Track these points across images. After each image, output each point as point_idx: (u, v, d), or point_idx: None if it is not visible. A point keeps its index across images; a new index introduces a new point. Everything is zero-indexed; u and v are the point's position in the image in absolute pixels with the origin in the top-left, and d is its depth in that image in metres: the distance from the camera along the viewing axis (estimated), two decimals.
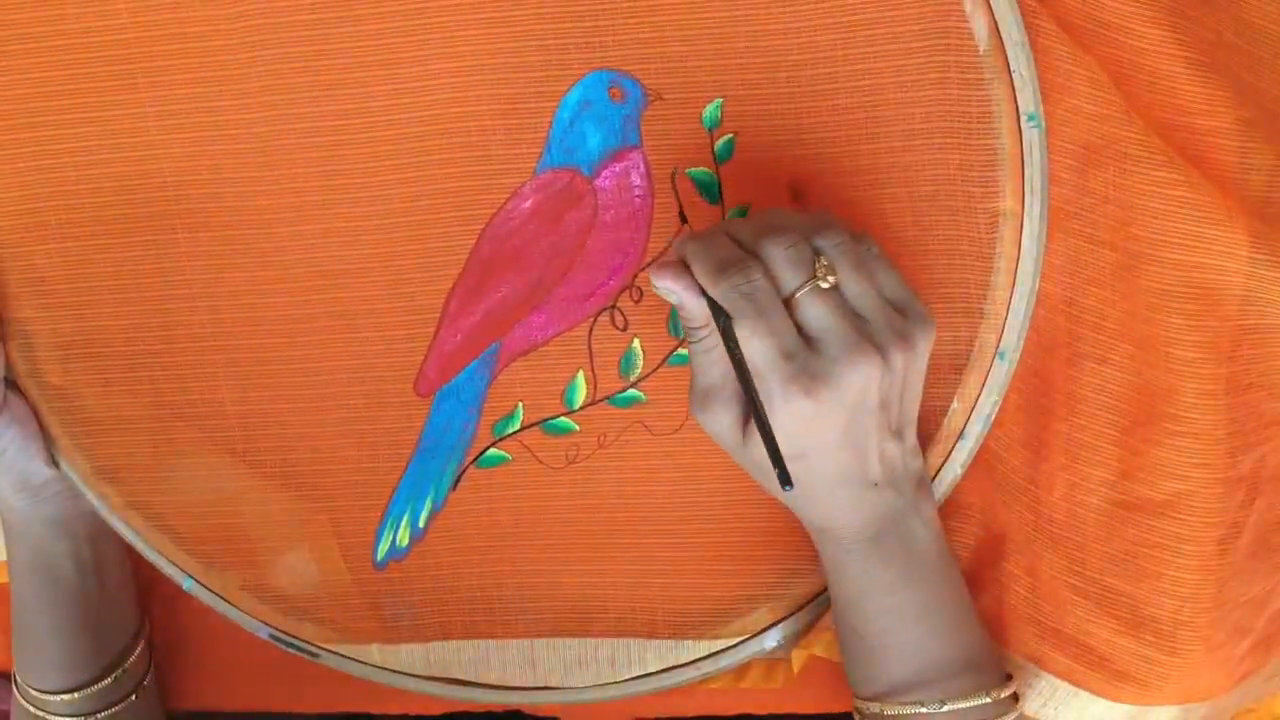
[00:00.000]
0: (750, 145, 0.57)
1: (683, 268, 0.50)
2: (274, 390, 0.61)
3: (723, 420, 0.51)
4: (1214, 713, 0.60)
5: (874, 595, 0.55)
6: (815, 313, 0.48)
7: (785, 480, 0.47)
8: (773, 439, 0.47)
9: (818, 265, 0.48)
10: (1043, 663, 0.60)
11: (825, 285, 0.48)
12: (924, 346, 0.50)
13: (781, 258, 0.48)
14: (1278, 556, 0.58)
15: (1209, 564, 0.56)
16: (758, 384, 0.48)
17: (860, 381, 0.48)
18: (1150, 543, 0.57)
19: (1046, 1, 0.54)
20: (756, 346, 0.48)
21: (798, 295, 0.48)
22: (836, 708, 0.66)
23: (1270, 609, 0.59)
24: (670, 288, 0.50)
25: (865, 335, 0.48)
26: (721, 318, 0.48)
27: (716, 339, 0.50)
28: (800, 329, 0.48)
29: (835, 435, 0.49)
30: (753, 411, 0.48)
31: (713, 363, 0.51)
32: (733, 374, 0.49)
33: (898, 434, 0.52)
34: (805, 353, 0.48)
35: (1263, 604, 0.59)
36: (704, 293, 0.49)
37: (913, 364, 0.50)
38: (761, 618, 0.62)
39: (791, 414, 0.48)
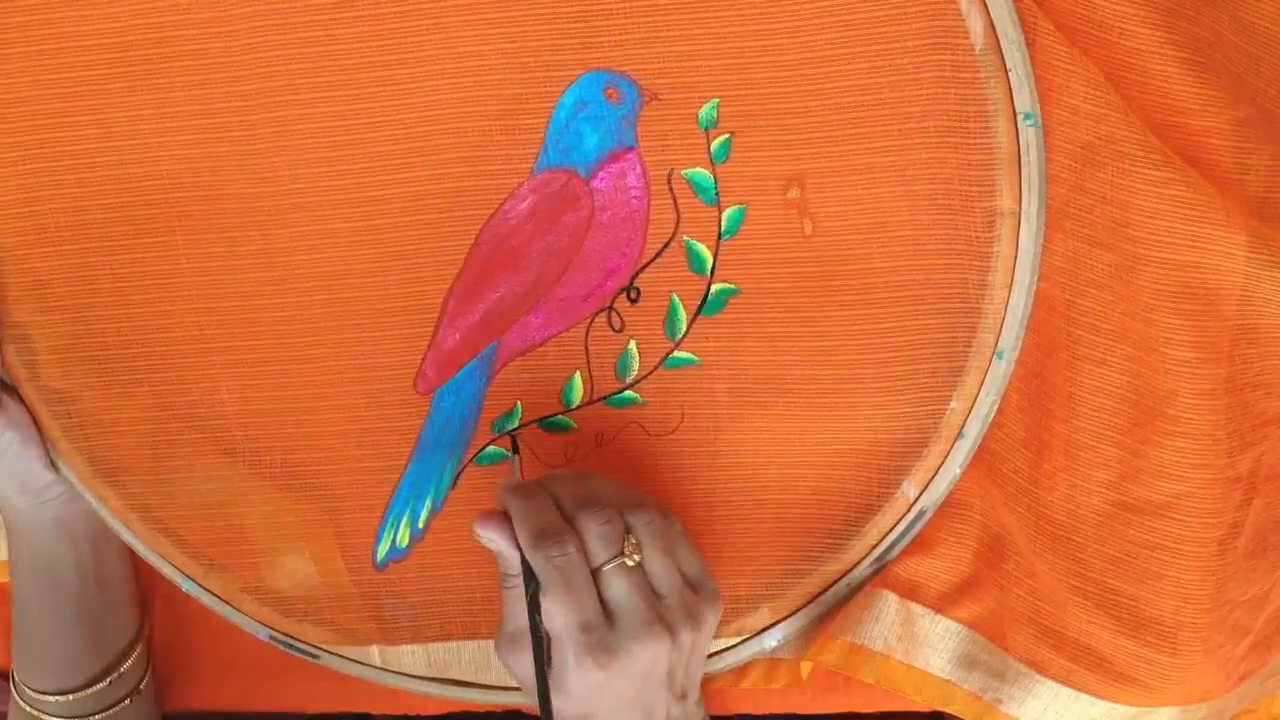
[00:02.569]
0: (747, 145, 0.57)
1: (505, 520, 0.53)
2: (274, 391, 0.61)
3: (526, 667, 0.53)
4: (1214, 713, 0.60)
5: None
6: (618, 588, 0.52)
7: None
8: (547, 696, 0.52)
9: (626, 543, 0.52)
10: (1043, 666, 0.60)
11: (630, 563, 0.52)
12: (711, 622, 0.54)
13: (595, 532, 0.52)
14: (1275, 555, 0.58)
15: (1209, 564, 0.56)
16: (555, 650, 0.52)
17: (649, 658, 0.52)
18: (1151, 544, 0.57)
19: (1043, 2, 0.54)
20: (559, 616, 0.51)
21: (604, 569, 0.52)
22: (837, 708, 0.66)
23: (1268, 609, 0.59)
24: (492, 538, 0.53)
25: (659, 615, 0.52)
26: (531, 584, 0.52)
27: None
28: (602, 599, 0.52)
29: (625, 701, 0.52)
30: (535, 668, 0.52)
31: (523, 610, 0.53)
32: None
33: (682, 696, 0.55)
34: (603, 627, 0.51)
35: (1261, 604, 0.59)
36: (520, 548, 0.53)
37: (699, 639, 0.54)
38: (762, 618, 0.62)
39: (583, 681, 0.51)
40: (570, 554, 0.51)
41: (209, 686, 0.70)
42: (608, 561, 0.52)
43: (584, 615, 0.51)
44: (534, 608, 0.52)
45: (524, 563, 0.52)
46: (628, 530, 0.53)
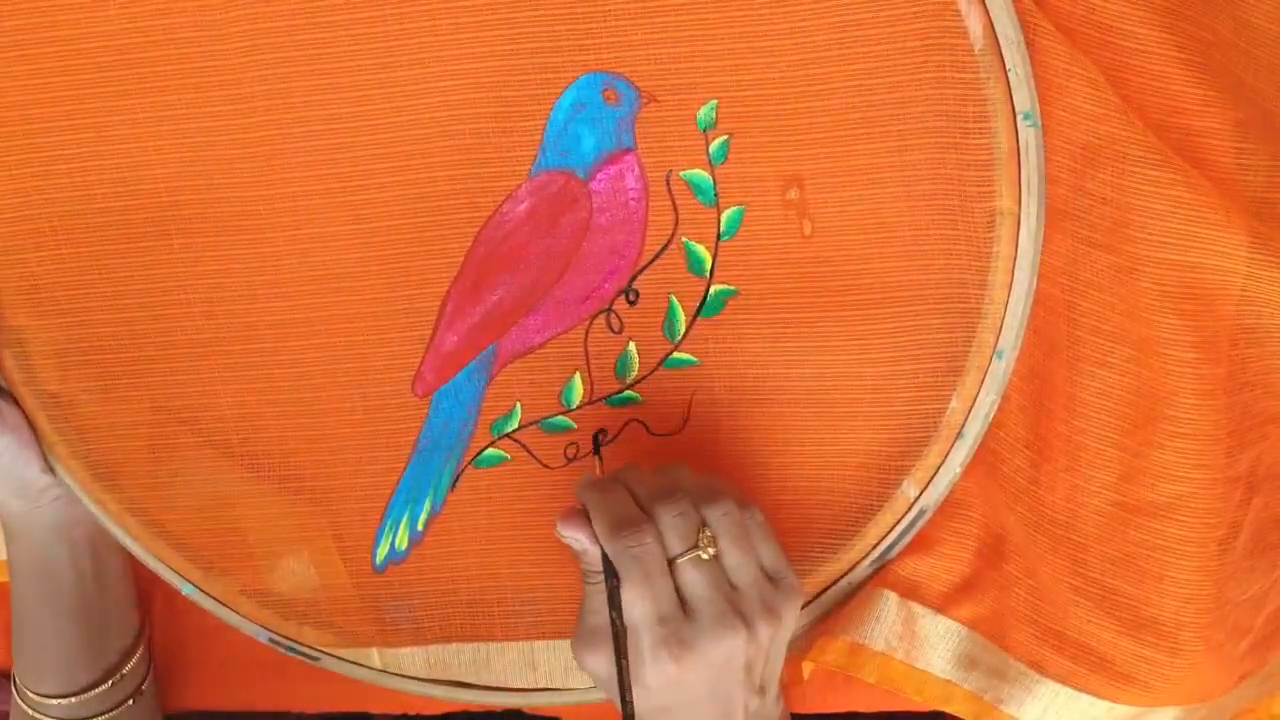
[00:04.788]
0: (745, 146, 0.56)
1: (585, 517, 0.53)
2: (271, 394, 0.61)
3: (600, 664, 0.53)
4: (1214, 713, 0.60)
5: None
6: (692, 581, 0.52)
7: None
8: (629, 693, 0.52)
9: (701, 535, 0.52)
10: (1044, 666, 0.60)
11: (706, 556, 0.52)
12: (790, 616, 0.54)
13: (670, 523, 0.52)
14: (1274, 554, 0.58)
15: (1209, 564, 0.56)
16: (631, 640, 0.52)
17: (725, 651, 0.51)
18: (1151, 544, 0.57)
19: (1043, 2, 0.53)
20: (636, 606, 0.51)
21: (679, 561, 0.52)
22: (837, 707, 0.66)
23: (1268, 608, 0.59)
24: (574, 536, 0.53)
25: (735, 608, 0.52)
26: (610, 576, 0.52)
27: None
28: (679, 591, 0.52)
29: (701, 693, 0.52)
30: (616, 663, 0.52)
31: (604, 605, 0.53)
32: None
33: (761, 690, 0.54)
34: (679, 618, 0.51)
35: (1260, 603, 0.59)
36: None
37: (778, 633, 0.53)
38: None
39: (658, 674, 0.51)
40: (647, 544, 0.51)
41: (209, 687, 0.70)
42: (683, 553, 0.51)
43: (660, 606, 0.51)
44: (614, 603, 0.51)
45: (604, 557, 0.52)
46: (704, 522, 0.52)
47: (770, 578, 0.53)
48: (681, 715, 0.52)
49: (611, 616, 0.52)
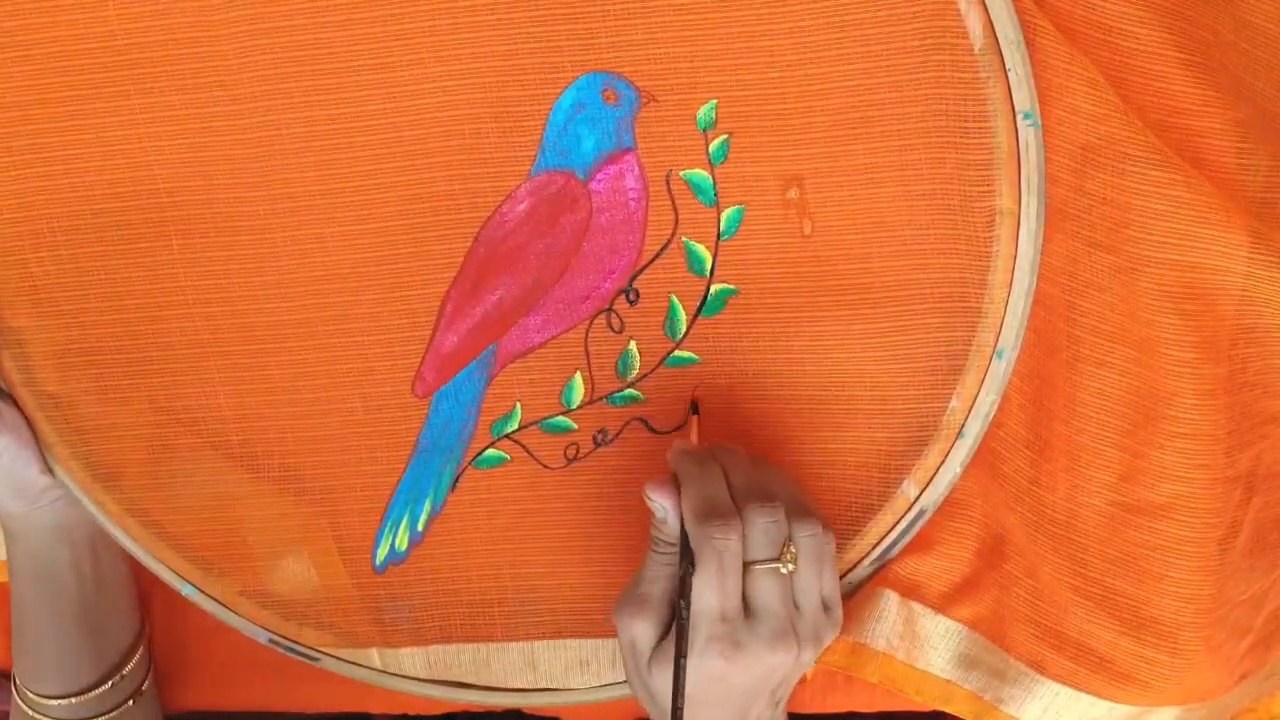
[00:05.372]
0: (745, 146, 0.56)
1: (675, 487, 0.53)
2: (271, 395, 0.61)
3: (642, 633, 0.53)
4: (1214, 713, 0.60)
5: None
6: (765, 589, 0.52)
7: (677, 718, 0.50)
8: (682, 682, 0.51)
9: (786, 550, 0.52)
10: (1044, 666, 0.60)
11: (784, 570, 0.52)
12: (828, 645, 0.54)
13: (760, 527, 0.52)
14: (1274, 554, 0.58)
15: (1209, 564, 0.56)
16: (691, 625, 0.51)
17: (774, 665, 0.52)
18: (1152, 544, 0.57)
19: (1043, 2, 0.53)
20: (704, 598, 0.51)
21: (757, 567, 0.52)
22: (837, 707, 0.66)
23: (1268, 608, 0.59)
24: (662, 504, 0.53)
25: (794, 627, 0.52)
26: (686, 561, 0.51)
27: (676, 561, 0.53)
28: (745, 593, 0.52)
29: (733, 695, 0.52)
30: (675, 649, 0.51)
31: (662, 577, 0.53)
32: (670, 596, 0.53)
33: (777, 704, 0.55)
34: (739, 620, 0.51)
35: (1260, 603, 0.59)
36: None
37: (814, 660, 0.54)
38: None
39: (704, 668, 0.51)
40: (732, 541, 0.51)
41: (209, 687, 0.70)
42: (764, 561, 0.51)
43: (726, 604, 0.51)
44: (684, 589, 0.51)
45: (683, 536, 0.52)
46: (790, 536, 0.52)
47: (825, 606, 0.54)
48: (703, 708, 0.52)
49: (679, 606, 0.51)
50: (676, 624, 0.51)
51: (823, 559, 0.53)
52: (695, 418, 0.59)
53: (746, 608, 0.52)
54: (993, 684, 0.61)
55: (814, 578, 0.53)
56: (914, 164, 0.56)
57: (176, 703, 0.71)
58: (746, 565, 0.51)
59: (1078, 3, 0.53)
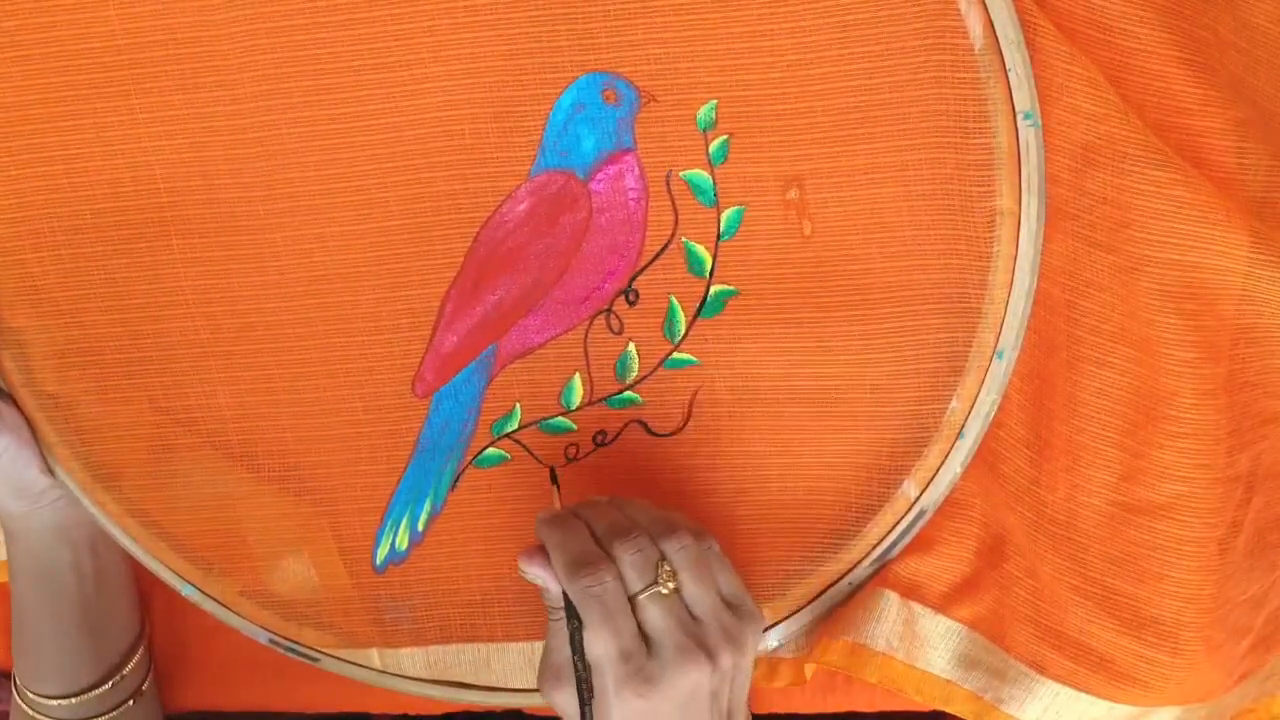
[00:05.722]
0: (745, 146, 0.56)
1: (546, 555, 0.54)
2: (271, 395, 0.61)
3: (566, 701, 0.54)
4: (1214, 713, 0.60)
5: None
6: (654, 615, 0.52)
7: None
8: None
9: (661, 570, 0.52)
10: (1044, 666, 0.60)
11: (665, 591, 0.52)
12: (752, 643, 0.54)
13: (629, 561, 0.52)
14: (1274, 554, 0.58)
15: (1209, 564, 0.56)
16: (596, 679, 0.52)
17: (690, 684, 0.52)
18: (1152, 544, 0.57)
19: (1043, 2, 0.53)
20: (598, 645, 0.51)
21: (640, 598, 0.52)
22: (838, 707, 0.66)
23: (1268, 608, 0.59)
24: (536, 573, 0.54)
25: (697, 640, 0.52)
26: (572, 617, 0.52)
27: None
28: (640, 627, 0.52)
29: None
30: (580, 710, 0.52)
31: (566, 642, 0.54)
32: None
33: (728, 716, 0.54)
34: (642, 655, 0.52)
35: (1260, 603, 0.59)
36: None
37: (741, 660, 0.54)
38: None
39: (625, 711, 0.52)
40: (607, 584, 0.52)
41: (209, 687, 0.70)
42: (643, 590, 0.52)
43: (623, 644, 0.51)
44: (575, 645, 0.52)
45: (565, 595, 0.53)
46: (662, 556, 0.53)
47: (730, 606, 0.54)
48: None
49: (574, 661, 0.52)
50: (576, 680, 0.52)
51: (703, 564, 0.53)
52: (554, 487, 0.60)
53: (647, 640, 0.52)
54: (993, 684, 0.61)
55: (700, 585, 0.53)
56: (914, 164, 0.56)
57: (176, 703, 0.71)
58: (632, 600, 0.52)
59: (1078, 2, 0.54)
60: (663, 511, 0.55)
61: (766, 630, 0.63)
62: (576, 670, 0.52)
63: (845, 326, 0.58)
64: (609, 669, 0.51)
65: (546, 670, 0.55)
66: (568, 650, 0.53)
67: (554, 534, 0.54)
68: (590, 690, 0.52)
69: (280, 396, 0.61)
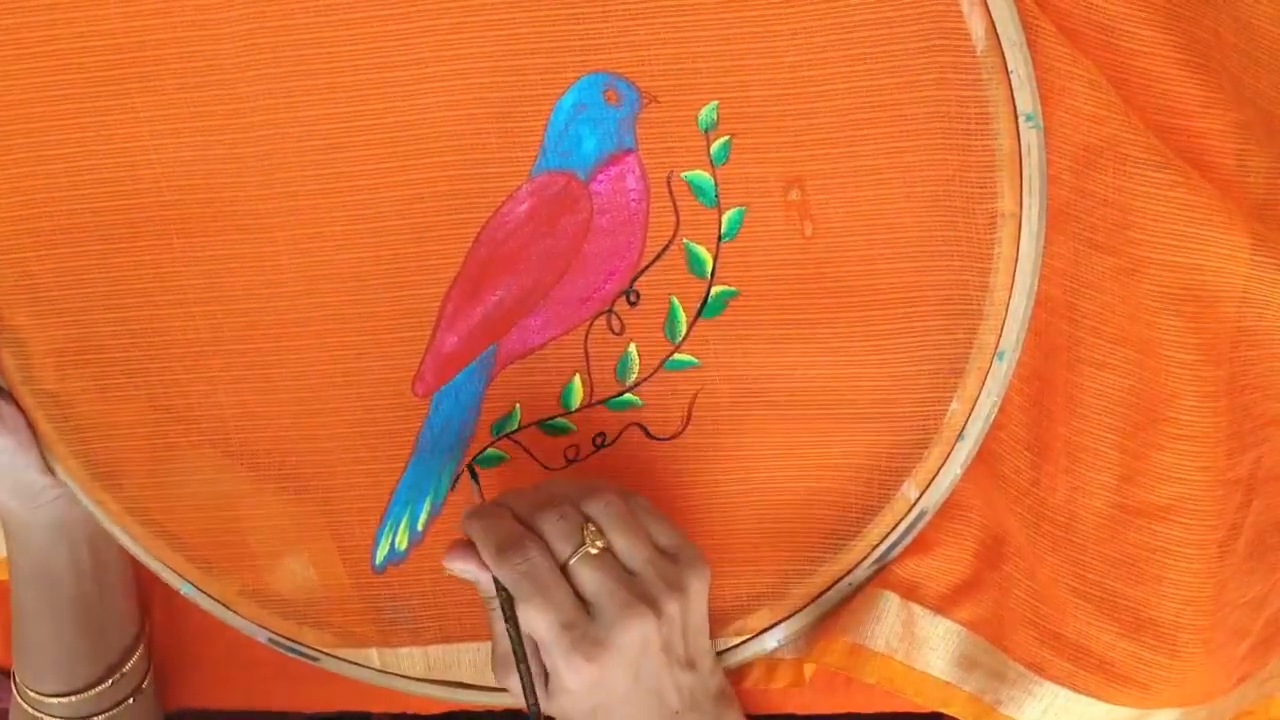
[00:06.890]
0: (747, 147, 0.56)
1: (471, 548, 0.53)
2: (271, 394, 0.61)
3: (518, 686, 0.54)
4: (1214, 715, 0.60)
5: None
6: (588, 578, 0.52)
7: None
8: (534, 706, 0.53)
9: (586, 531, 0.52)
10: (1043, 668, 0.60)
11: (594, 550, 0.52)
12: (698, 586, 0.54)
13: (553, 530, 0.52)
14: (1274, 557, 0.58)
15: (1209, 566, 0.56)
16: (544, 655, 0.52)
17: (637, 639, 0.51)
18: (1152, 546, 0.57)
19: (1044, 4, 0.53)
20: (538, 621, 0.51)
21: (571, 563, 0.52)
22: (837, 708, 0.66)
23: (1268, 610, 0.59)
24: (464, 567, 0.54)
25: (637, 593, 0.52)
26: (501, 595, 0.52)
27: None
28: (578, 593, 0.52)
29: (627, 685, 0.52)
30: (523, 687, 0.53)
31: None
32: (533, 640, 0.53)
33: (690, 664, 0.55)
34: (584, 620, 0.51)
35: (1260, 605, 0.59)
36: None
37: (689, 604, 0.53)
38: (762, 618, 0.62)
39: (578, 679, 0.51)
40: (533, 558, 0.51)
41: (209, 687, 0.70)
42: (572, 554, 0.52)
43: (562, 614, 0.51)
44: (511, 620, 0.52)
45: (496, 581, 0.53)
46: (587, 519, 0.53)
47: (667, 554, 0.54)
48: (615, 711, 0.53)
49: (507, 631, 0.52)
50: (512, 650, 0.53)
51: (628, 517, 0.53)
52: (474, 484, 0.59)
53: (586, 605, 0.52)
54: (992, 686, 0.61)
55: (630, 538, 0.53)
56: (916, 166, 0.56)
57: (176, 702, 0.71)
58: (565, 568, 0.52)
59: (1079, 4, 0.53)
60: (583, 481, 0.55)
61: (766, 631, 0.62)
62: (514, 645, 0.52)
63: (846, 328, 0.58)
64: (553, 642, 0.51)
65: (495, 659, 0.55)
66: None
67: (476, 524, 0.54)
68: (529, 668, 0.52)
69: (280, 395, 0.61)
